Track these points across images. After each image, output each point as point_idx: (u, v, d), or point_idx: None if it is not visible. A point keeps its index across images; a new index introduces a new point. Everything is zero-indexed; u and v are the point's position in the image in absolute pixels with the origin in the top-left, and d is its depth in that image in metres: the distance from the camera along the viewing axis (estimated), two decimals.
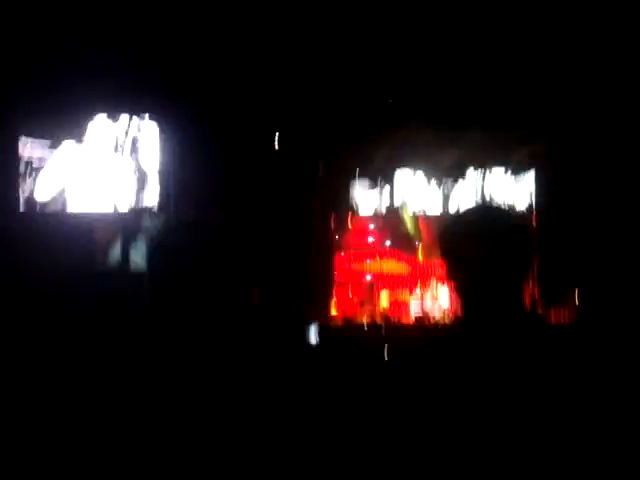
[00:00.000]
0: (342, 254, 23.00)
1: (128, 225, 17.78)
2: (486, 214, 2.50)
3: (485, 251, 2.32)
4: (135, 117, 17.55)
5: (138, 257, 17.13)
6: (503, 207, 3.10)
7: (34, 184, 17.10)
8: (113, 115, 17.47)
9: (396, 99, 18.32)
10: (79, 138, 17.41)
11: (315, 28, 15.93)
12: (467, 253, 2.35)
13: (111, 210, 17.50)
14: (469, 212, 2.51)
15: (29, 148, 16.94)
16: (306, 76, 17.22)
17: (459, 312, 2.48)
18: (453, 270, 2.41)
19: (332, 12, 15.46)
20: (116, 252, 17.69)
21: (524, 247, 2.40)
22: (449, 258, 2.41)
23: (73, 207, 17.37)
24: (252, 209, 17.15)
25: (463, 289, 2.39)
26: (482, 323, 2.28)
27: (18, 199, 17.04)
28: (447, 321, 17.06)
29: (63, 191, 17.32)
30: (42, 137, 17.02)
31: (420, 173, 22.17)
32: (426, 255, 22.56)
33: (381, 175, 22.25)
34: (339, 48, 16.53)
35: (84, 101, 17.01)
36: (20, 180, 16.91)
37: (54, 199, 17.33)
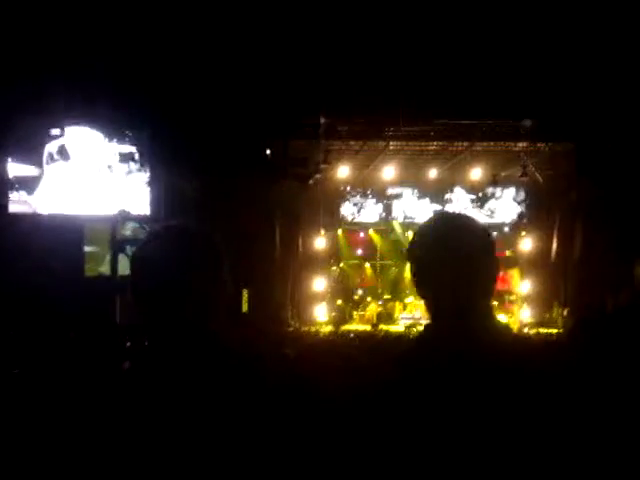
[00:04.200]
0: (332, 265, 23.25)
1: (117, 230, 17.92)
2: (449, 221, 2.49)
3: (450, 258, 2.30)
4: (124, 130, 17.98)
5: (126, 262, 17.30)
6: (464, 215, 2.98)
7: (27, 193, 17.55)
8: (100, 131, 17.96)
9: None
10: (65, 153, 17.84)
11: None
12: (433, 260, 2.32)
13: (101, 213, 17.70)
14: (432, 220, 2.47)
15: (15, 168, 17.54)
16: (297, 91, 17.35)
17: (430, 320, 2.44)
18: (420, 278, 2.37)
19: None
20: (105, 256, 17.84)
21: (489, 254, 2.36)
22: (417, 266, 2.36)
23: (63, 209, 17.65)
24: (241, 219, 17.20)
25: (432, 297, 2.36)
26: (451, 333, 2.27)
27: (6, 205, 17.47)
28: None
29: (54, 197, 17.58)
30: (28, 157, 17.55)
31: (410, 190, 22.44)
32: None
33: (371, 191, 22.47)
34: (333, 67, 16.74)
35: (67, 119, 17.60)
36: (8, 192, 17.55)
37: (46, 204, 17.62)
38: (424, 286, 2.37)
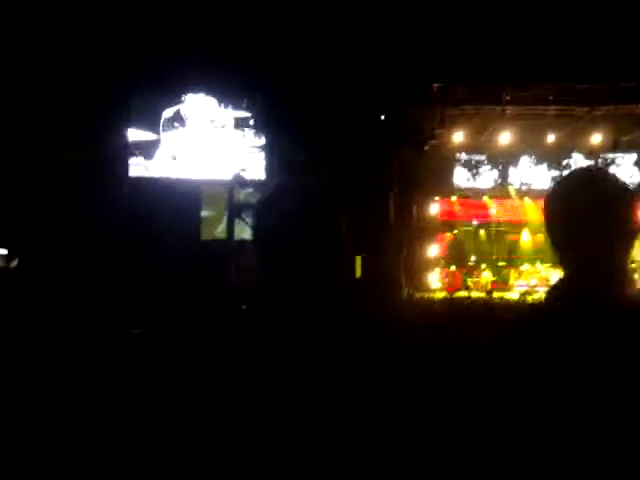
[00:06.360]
0: (446, 231, 23.04)
1: (233, 195, 18.19)
2: (589, 176, 2.45)
3: (587, 207, 2.27)
4: (239, 96, 18.31)
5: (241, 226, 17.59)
6: (604, 170, 2.91)
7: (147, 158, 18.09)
8: (216, 97, 18.31)
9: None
10: (182, 119, 18.30)
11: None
12: (571, 210, 2.31)
13: (217, 177, 18.00)
14: (571, 176, 2.44)
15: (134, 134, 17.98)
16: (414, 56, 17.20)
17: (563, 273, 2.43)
18: (556, 229, 2.35)
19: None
20: (221, 221, 18.11)
21: (628, 206, 2.32)
22: (554, 217, 2.34)
23: (180, 174, 18.08)
24: (355, 186, 17.19)
25: (567, 247, 2.34)
26: (584, 282, 2.25)
27: (127, 170, 18.03)
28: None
29: (172, 163, 18.03)
30: (147, 123, 18.04)
31: (527, 155, 21.97)
32: (532, 232, 22.16)
33: (487, 156, 22.09)
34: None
35: (184, 87, 18.00)
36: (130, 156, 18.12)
37: (163, 169, 18.08)
38: (560, 237, 2.35)
